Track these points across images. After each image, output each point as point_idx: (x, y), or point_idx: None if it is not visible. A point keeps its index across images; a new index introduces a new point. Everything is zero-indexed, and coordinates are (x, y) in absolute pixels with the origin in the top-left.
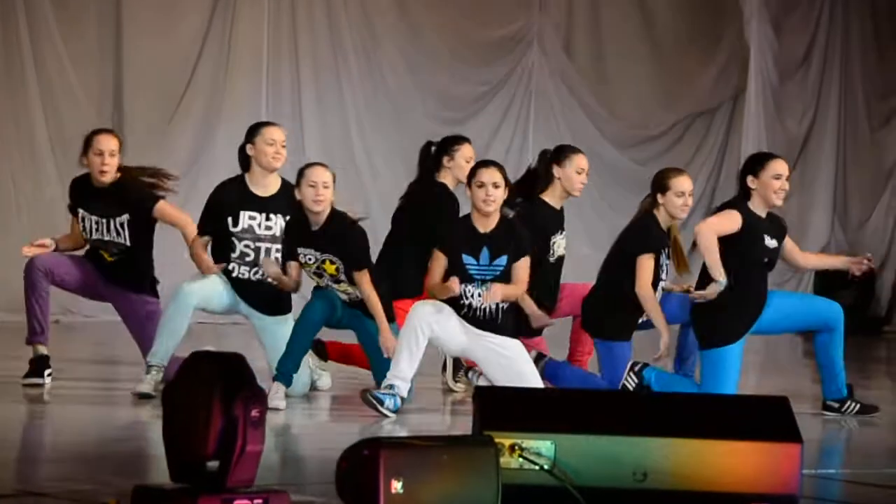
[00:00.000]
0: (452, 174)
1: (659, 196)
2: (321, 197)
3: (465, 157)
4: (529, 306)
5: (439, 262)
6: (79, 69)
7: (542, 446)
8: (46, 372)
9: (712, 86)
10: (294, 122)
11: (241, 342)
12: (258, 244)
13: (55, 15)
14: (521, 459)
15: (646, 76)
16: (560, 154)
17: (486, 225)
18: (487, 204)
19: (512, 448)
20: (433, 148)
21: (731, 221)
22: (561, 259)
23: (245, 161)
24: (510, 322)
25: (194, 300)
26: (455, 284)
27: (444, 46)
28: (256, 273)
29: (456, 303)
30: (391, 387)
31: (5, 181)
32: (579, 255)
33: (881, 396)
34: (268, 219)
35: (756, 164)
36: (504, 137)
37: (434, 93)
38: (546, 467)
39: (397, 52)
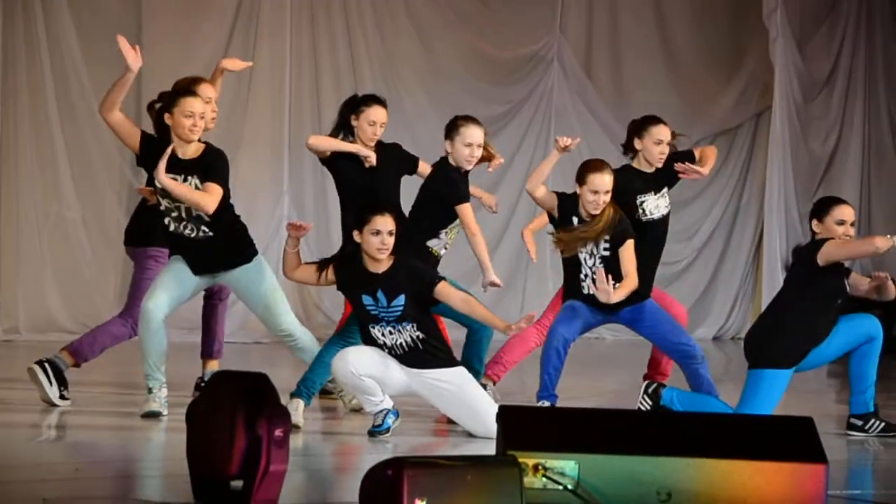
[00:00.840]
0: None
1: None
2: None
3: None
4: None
5: None
6: (100, 93)
7: (566, 466)
8: None
9: (733, 106)
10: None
11: (265, 361)
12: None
13: (78, 42)
14: (544, 479)
15: (666, 96)
16: (640, 127)
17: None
18: (381, 252)
19: (536, 468)
20: None
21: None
22: (658, 221)
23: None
24: (435, 352)
25: (161, 314)
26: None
27: (462, 66)
28: (187, 229)
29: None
30: (379, 414)
31: (28, 203)
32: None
33: None
34: (185, 180)
35: (821, 208)
36: (524, 157)
37: (452, 112)
38: (570, 487)
39: (414, 72)
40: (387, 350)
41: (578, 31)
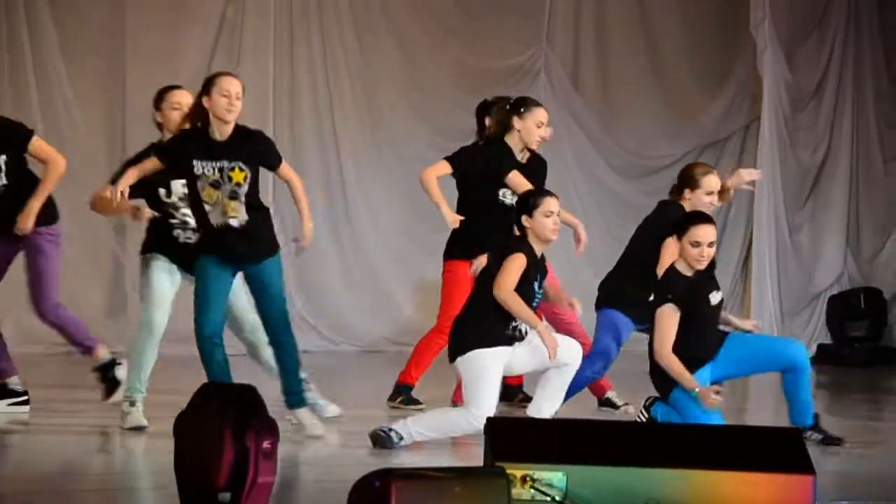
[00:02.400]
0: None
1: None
2: (234, 107)
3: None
4: None
5: None
6: (84, 106)
7: (554, 477)
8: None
9: (722, 117)
10: (295, 156)
11: (252, 373)
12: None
13: (62, 58)
14: (532, 490)
15: (654, 107)
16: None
17: None
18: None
19: (524, 479)
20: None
21: None
22: None
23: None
24: None
25: (162, 329)
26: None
27: (447, 79)
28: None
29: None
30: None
31: None
32: (582, 280)
33: (894, 429)
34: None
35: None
36: None
37: (436, 124)
38: (558, 498)
39: (396, 86)
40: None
41: (565, 42)
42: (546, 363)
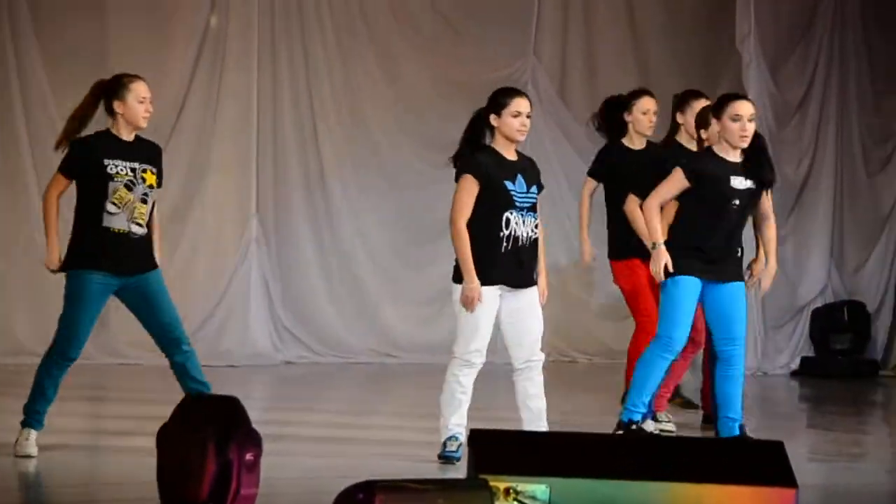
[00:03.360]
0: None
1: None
2: (149, 113)
3: (641, 109)
4: None
5: None
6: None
7: (537, 490)
8: None
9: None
10: (279, 168)
11: (236, 385)
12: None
13: (45, 72)
14: (515, 503)
15: None
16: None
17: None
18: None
19: (507, 491)
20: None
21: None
22: None
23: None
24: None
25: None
26: None
27: (432, 91)
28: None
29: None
30: (452, 440)
31: None
32: (571, 294)
33: (878, 441)
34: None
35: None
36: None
37: (421, 136)
38: None
39: (381, 99)
40: (508, 242)
41: (553, 54)
42: (507, 335)
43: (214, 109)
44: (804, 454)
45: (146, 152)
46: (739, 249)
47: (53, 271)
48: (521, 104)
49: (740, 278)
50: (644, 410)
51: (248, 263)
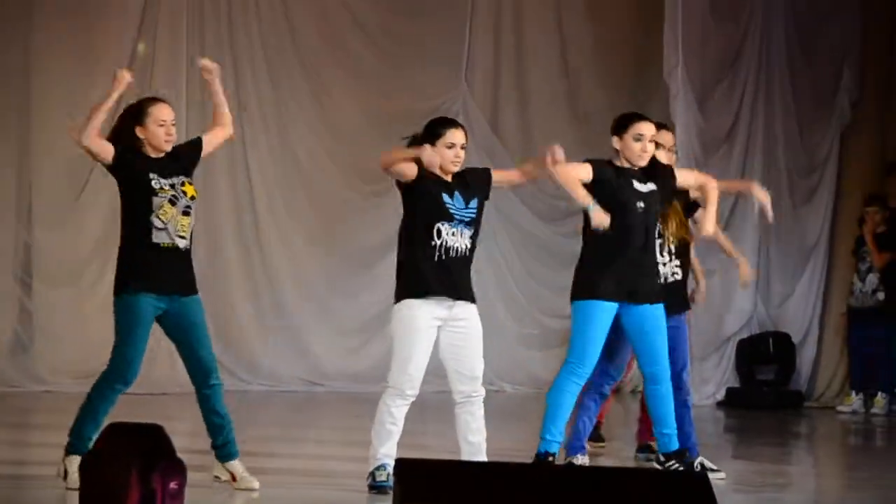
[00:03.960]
0: None
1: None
2: (172, 136)
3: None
4: None
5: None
6: None
7: None
8: None
9: None
10: (208, 197)
11: (160, 413)
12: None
13: None
14: None
15: (574, 150)
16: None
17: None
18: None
19: None
20: None
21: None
22: None
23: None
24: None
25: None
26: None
27: (363, 120)
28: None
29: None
30: (381, 470)
31: None
32: (500, 324)
33: (803, 472)
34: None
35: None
36: None
37: (352, 166)
38: None
39: (310, 128)
40: (441, 252)
41: (484, 84)
42: (448, 363)
43: None
44: (729, 485)
45: (180, 162)
46: (659, 272)
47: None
48: (455, 136)
49: (659, 300)
50: (560, 439)
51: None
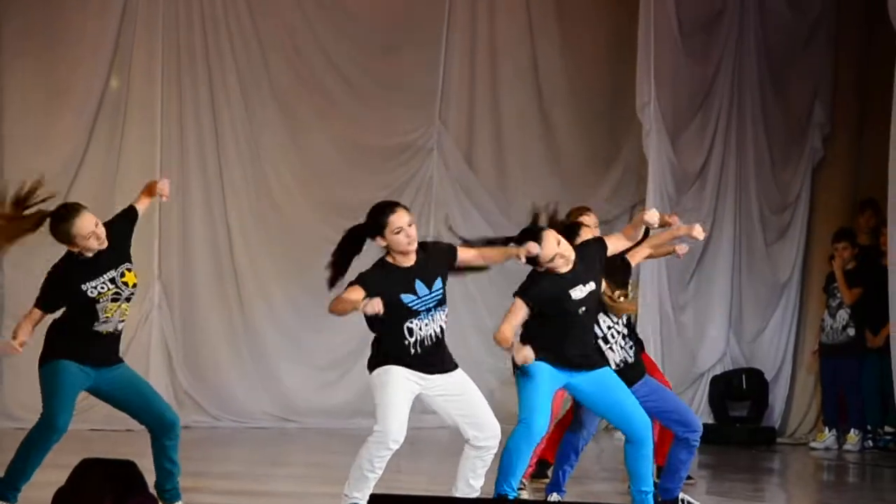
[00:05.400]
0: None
1: None
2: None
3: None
4: None
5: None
6: None
7: None
8: None
9: (609, 197)
10: (183, 231)
11: (131, 450)
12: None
13: None
14: None
15: (548, 186)
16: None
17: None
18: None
19: None
20: None
21: None
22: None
23: None
24: (446, 347)
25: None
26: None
27: (338, 154)
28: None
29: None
30: None
31: None
32: (472, 355)
33: None
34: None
35: None
36: None
37: (327, 200)
38: None
39: (285, 161)
40: (416, 347)
41: (459, 120)
42: (455, 419)
43: (115, 172)
44: None
45: (116, 251)
46: (597, 340)
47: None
48: (400, 219)
49: (601, 364)
50: (515, 494)
51: (147, 328)
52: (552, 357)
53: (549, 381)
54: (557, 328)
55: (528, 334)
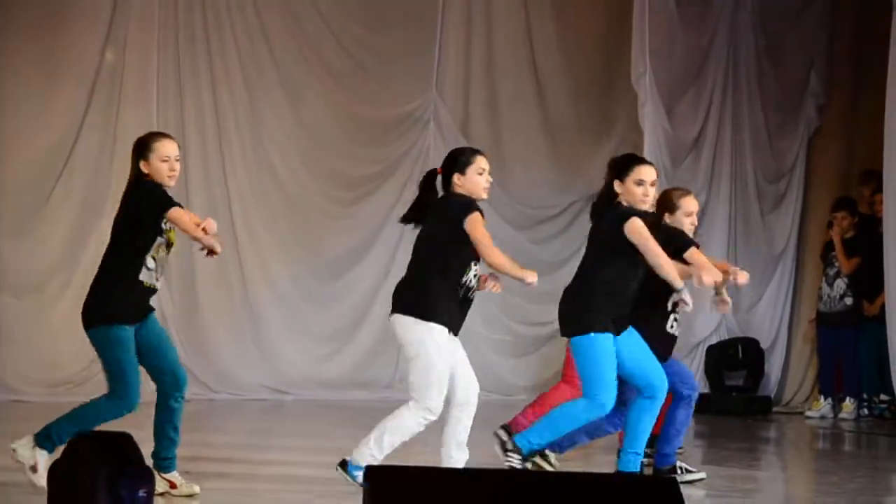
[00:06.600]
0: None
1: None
2: (176, 172)
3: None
4: None
5: None
6: None
7: None
8: None
9: (605, 168)
10: (180, 199)
11: (127, 422)
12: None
13: None
14: None
15: (542, 158)
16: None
17: None
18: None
19: None
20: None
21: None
22: None
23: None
24: None
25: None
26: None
27: (336, 127)
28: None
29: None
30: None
31: None
32: (470, 330)
33: (771, 477)
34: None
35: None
36: (399, 217)
37: (326, 172)
38: None
39: (284, 133)
40: (464, 292)
41: (455, 91)
42: (463, 382)
43: (112, 145)
44: (699, 490)
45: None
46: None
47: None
48: (482, 161)
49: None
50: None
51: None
52: (612, 324)
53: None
54: (627, 289)
55: (600, 304)
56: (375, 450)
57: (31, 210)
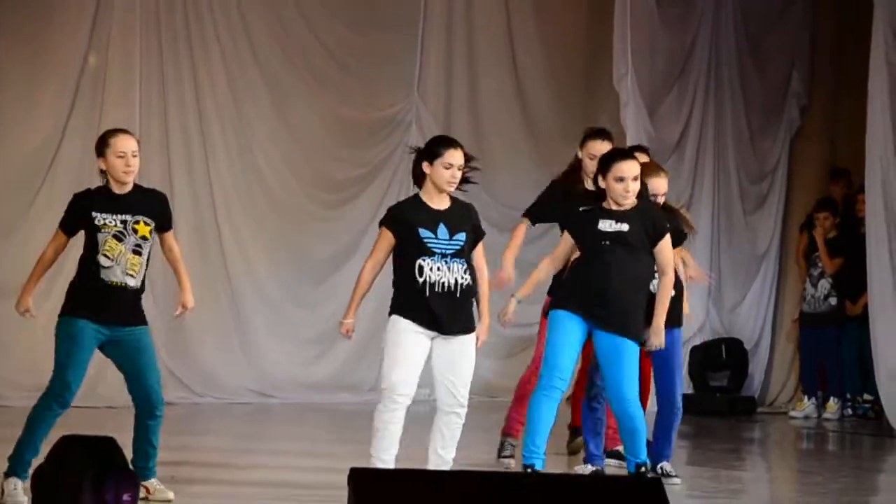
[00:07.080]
0: None
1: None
2: (132, 168)
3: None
4: None
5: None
6: None
7: None
8: None
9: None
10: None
11: (110, 426)
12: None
13: None
14: None
15: (526, 159)
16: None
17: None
18: (451, 185)
19: None
20: None
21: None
22: None
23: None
24: (469, 306)
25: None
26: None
27: (320, 129)
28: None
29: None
30: None
31: None
32: None
33: (756, 477)
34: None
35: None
36: None
37: (310, 174)
38: None
39: (268, 135)
40: (427, 290)
41: (437, 94)
42: (437, 379)
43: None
44: (683, 491)
45: (142, 204)
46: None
47: (20, 313)
48: (454, 156)
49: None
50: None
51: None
52: (576, 299)
53: (569, 329)
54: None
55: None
56: (376, 459)
57: (16, 213)
